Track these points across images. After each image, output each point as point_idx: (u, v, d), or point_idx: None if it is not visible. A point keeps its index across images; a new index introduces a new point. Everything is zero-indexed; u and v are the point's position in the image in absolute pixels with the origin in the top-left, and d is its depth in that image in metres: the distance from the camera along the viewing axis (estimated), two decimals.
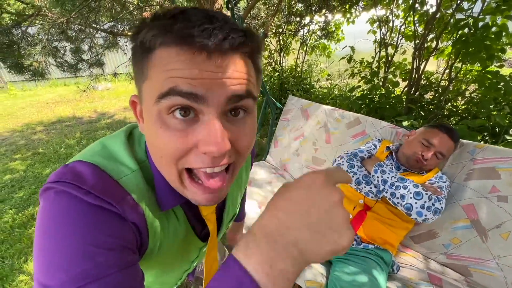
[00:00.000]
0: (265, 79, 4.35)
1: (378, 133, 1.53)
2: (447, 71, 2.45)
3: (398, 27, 2.92)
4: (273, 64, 4.78)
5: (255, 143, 0.60)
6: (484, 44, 1.82)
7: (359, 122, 1.63)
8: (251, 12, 4.10)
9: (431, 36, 2.51)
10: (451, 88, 2.45)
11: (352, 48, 3.31)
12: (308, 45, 4.60)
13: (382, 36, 3.06)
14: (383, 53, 3.07)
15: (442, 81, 2.59)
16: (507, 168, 1.05)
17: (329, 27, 4.31)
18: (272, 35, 4.52)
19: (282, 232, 0.26)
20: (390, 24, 3.01)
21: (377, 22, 3.11)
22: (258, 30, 4.26)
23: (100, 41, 3.09)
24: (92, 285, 0.32)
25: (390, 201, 1.10)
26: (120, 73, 3.38)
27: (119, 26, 3.01)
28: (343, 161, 1.27)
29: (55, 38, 2.24)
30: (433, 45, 2.46)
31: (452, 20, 2.12)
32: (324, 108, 1.84)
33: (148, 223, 0.42)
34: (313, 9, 3.99)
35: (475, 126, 1.82)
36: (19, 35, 1.98)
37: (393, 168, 1.23)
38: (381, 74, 3.03)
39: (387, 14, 3.07)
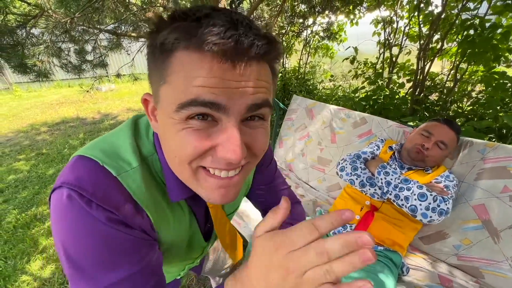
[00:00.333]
0: None
1: (384, 132, 1.51)
2: (452, 72, 2.43)
3: (402, 28, 2.91)
4: None
5: None
6: (491, 44, 1.80)
7: (365, 122, 1.61)
8: (254, 13, 4.10)
9: (436, 37, 2.50)
10: (456, 89, 2.42)
11: (356, 49, 3.30)
12: (311, 46, 4.59)
13: (386, 37, 3.05)
14: (387, 54, 3.06)
15: (448, 82, 2.57)
16: None
17: (332, 28, 4.30)
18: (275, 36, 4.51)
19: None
20: (394, 25, 3.00)
21: (381, 23, 3.10)
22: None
23: (103, 42, 3.10)
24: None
25: (395, 203, 1.09)
26: (123, 75, 3.38)
27: (123, 27, 3.02)
28: (346, 164, 1.26)
29: (59, 38, 2.25)
30: (438, 45, 2.44)
31: (457, 21, 2.10)
32: (329, 107, 1.82)
33: (152, 217, 0.43)
34: (316, 10, 3.98)
35: (482, 127, 1.79)
36: (24, 35, 1.98)
37: (397, 168, 1.21)
38: (385, 75, 3.01)
39: (391, 15, 3.05)
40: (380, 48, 3.20)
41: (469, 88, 2.47)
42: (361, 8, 3.67)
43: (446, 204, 1.00)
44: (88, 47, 2.86)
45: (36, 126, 4.59)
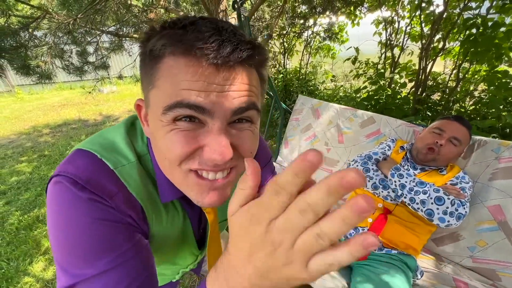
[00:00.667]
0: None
1: (393, 132, 1.46)
2: (454, 71, 2.42)
3: (404, 28, 2.90)
4: (277, 66, 4.78)
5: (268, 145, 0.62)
6: (494, 43, 1.79)
7: (373, 121, 1.57)
8: (255, 14, 4.11)
9: (438, 36, 2.49)
10: (459, 88, 2.41)
11: (357, 49, 3.30)
12: (312, 46, 4.60)
13: (387, 37, 3.04)
14: (388, 54, 3.05)
15: (450, 81, 2.56)
16: None
17: (333, 28, 4.31)
18: (276, 37, 4.53)
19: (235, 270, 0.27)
20: (396, 25, 2.99)
21: (383, 23, 3.09)
22: (262, 32, 4.27)
23: (105, 43, 3.12)
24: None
25: (410, 206, 1.03)
26: (125, 76, 3.39)
27: (124, 28, 3.03)
28: (357, 165, 1.21)
29: (61, 40, 2.26)
30: (440, 45, 2.44)
31: (459, 20, 2.10)
32: (336, 107, 1.78)
33: (146, 212, 0.44)
34: (317, 10, 3.98)
35: (485, 126, 1.78)
36: (26, 37, 2.00)
37: (410, 169, 1.16)
38: (387, 75, 3.00)
39: (393, 16, 3.05)
40: (382, 48, 3.20)
41: (471, 88, 2.46)
42: (362, 8, 3.67)
43: (464, 208, 0.96)
44: (90, 49, 2.88)
45: (38, 128, 4.61)
